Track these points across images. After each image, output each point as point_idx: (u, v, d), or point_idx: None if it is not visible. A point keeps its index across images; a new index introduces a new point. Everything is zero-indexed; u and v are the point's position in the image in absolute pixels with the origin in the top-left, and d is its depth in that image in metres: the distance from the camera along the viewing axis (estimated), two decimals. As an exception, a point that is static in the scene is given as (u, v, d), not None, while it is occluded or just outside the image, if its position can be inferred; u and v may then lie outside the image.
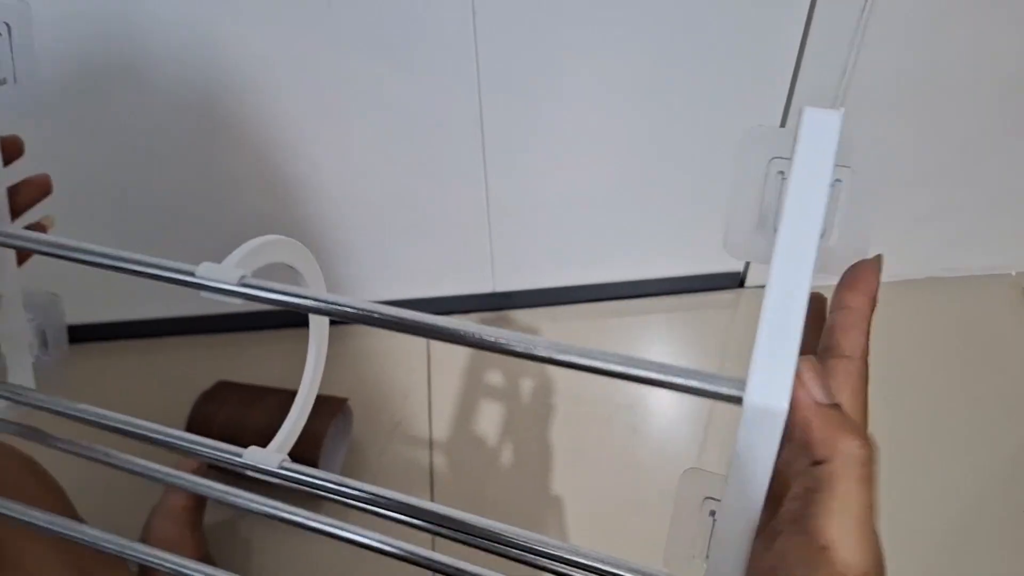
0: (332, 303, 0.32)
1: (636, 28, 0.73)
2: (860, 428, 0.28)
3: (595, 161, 0.84)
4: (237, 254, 0.33)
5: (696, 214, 0.91)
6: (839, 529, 0.26)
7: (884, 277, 0.31)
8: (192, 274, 0.32)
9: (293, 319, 0.97)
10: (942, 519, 0.82)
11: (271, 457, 0.36)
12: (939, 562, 0.80)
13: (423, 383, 0.94)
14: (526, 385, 0.93)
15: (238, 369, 0.92)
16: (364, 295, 0.96)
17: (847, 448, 0.27)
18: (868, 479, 0.27)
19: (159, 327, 0.97)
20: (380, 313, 0.31)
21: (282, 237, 0.35)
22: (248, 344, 0.98)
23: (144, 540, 0.70)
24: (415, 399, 0.92)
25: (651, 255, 0.96)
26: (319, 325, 0.41)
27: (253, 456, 0.36)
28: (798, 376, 0.27)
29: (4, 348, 0.48)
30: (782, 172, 0.31)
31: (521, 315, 0.99)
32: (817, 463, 0.27)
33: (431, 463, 0.87)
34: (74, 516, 0.63)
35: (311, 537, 0.83)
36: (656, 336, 0.97)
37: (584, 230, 0.91)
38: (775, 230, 0.28)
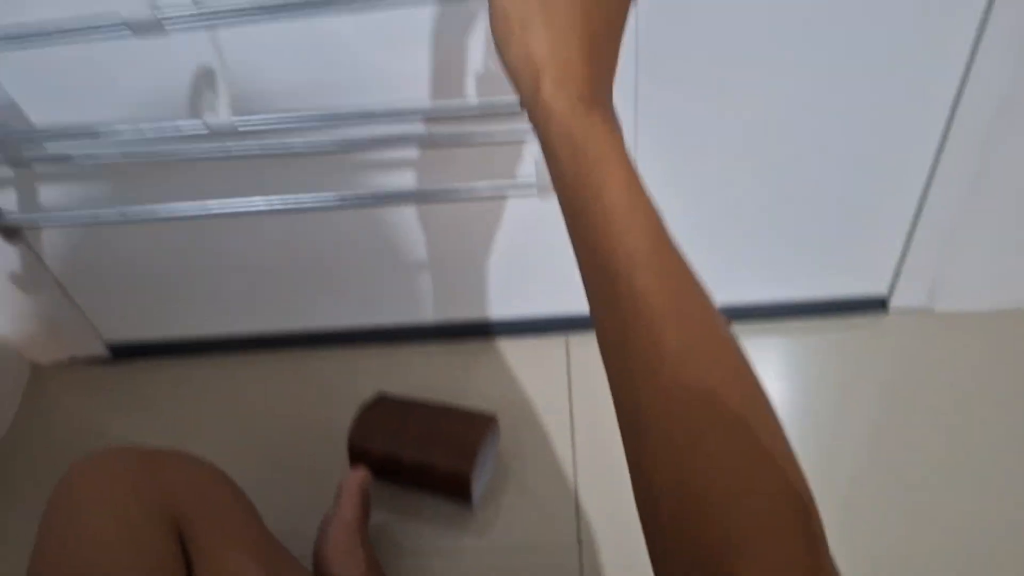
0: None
1: (798, 48, 0.73)
2: None
3: (735, 180, 0.85)
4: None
5: (839, 236, 0.91)
6: None
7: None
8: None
9: (446, 333, 1.02)
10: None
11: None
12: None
13: (564, 395, 0.97)
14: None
15: (395, 381, 0.97)
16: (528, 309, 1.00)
17: None
18: None
19: (316, 339, 1.04)
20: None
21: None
22: (405, 356, 1.03)
23: (320, 547, 0.76)
24: (556, 412, 0.95)
25: (792, 276, 0.96)
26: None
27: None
28: None
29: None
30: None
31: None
32: None
33: (575, 475, 0.90)
34: (259, 521, 0.70)
35: (458, 536, 0.88)
36: (795, 359, 0.98)
37: (721, 249, 0.92)
38: None
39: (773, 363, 0.97)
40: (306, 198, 0.78)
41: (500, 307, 1.00)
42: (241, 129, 0.69)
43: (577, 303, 0.40)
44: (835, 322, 0.99)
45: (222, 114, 0.64)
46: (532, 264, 0.94)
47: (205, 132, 0.67)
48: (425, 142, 0.77)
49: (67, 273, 0.96)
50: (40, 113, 0.75)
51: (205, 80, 0.69)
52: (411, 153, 0.80)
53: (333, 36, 0.69)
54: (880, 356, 0.98)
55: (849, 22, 0.71)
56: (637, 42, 0.71)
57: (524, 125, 0.69)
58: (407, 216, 0.89)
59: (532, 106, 0.40)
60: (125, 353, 1.06)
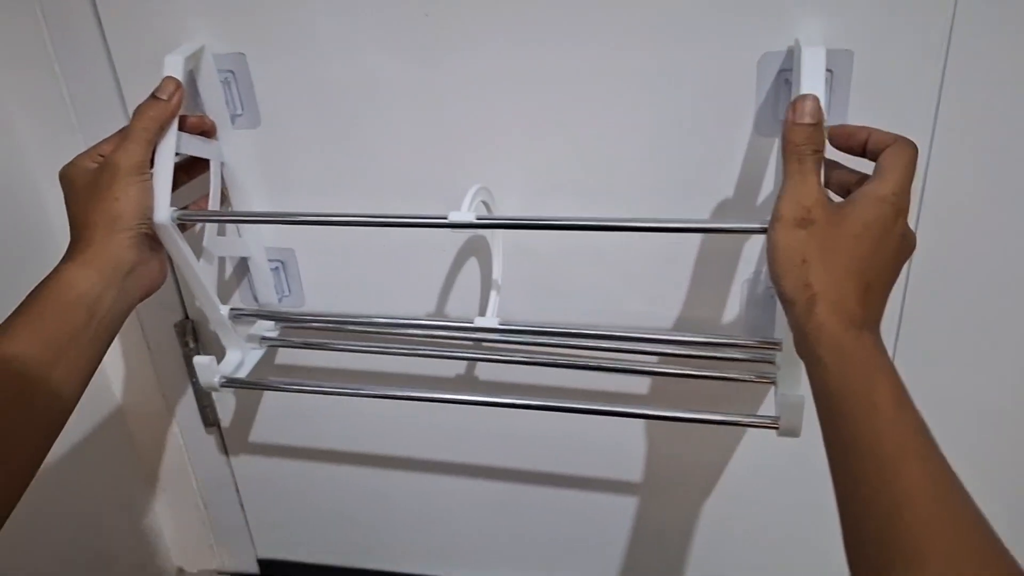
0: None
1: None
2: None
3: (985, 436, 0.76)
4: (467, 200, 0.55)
5: None
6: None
7: None
8: (445, 217, 0.54)
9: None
10: None
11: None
12: None
13: None
14: None
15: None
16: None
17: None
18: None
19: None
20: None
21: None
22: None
23: None
24: None
25: None
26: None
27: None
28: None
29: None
30: (788, 80, 0.55)
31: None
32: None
33: None
34: None
35: None
36: None
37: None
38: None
39: None
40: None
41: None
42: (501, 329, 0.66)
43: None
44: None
45: (489, 319, 0.65)
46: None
47: (470, 331, 0.67)
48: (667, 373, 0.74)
49: (247, 477, 0.94)
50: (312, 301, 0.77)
51: (482, 287, 0.72)
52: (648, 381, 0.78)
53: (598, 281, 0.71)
54: None
55: None
56: (905, 295, 0.68)
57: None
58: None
59: (804, 323, 0.43)
60: (275, 572, 1.00)
